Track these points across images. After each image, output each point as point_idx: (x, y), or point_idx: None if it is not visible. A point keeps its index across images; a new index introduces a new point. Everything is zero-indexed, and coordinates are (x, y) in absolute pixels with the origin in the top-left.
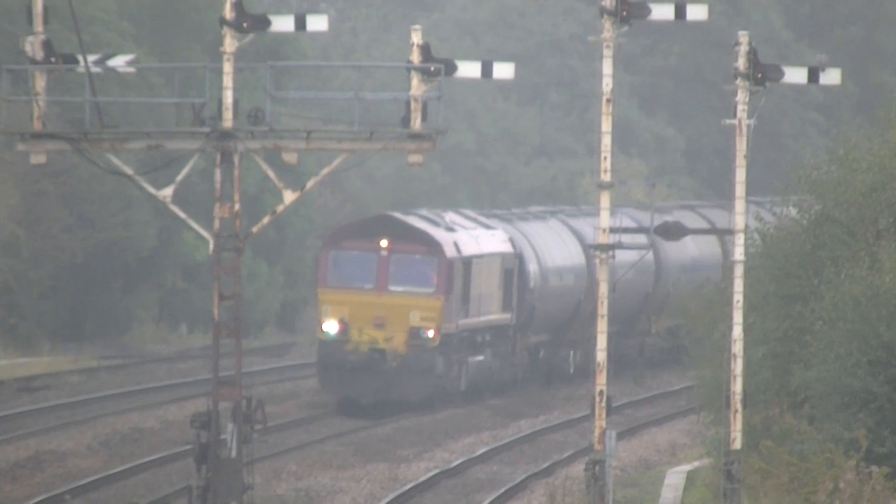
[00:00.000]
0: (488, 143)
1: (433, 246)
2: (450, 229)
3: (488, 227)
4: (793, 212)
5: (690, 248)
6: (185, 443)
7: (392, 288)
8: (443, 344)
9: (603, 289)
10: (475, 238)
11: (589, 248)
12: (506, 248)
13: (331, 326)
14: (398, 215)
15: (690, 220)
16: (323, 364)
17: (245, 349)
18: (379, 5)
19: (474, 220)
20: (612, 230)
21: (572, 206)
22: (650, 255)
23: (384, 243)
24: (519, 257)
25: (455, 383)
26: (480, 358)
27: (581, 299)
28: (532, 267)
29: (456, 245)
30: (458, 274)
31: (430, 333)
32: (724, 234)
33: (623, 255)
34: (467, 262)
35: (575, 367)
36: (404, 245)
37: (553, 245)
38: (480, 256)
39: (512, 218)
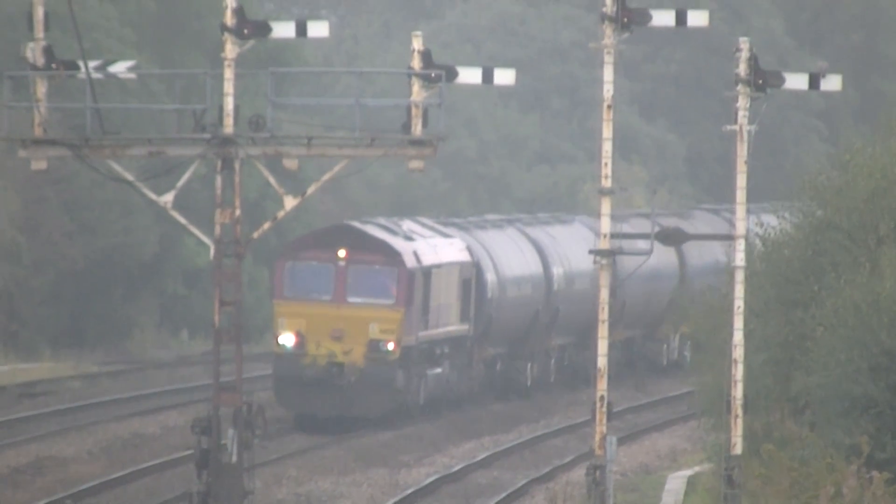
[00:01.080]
0: (489, 150)
1: (393, 256)
2: (408, 238)
3: (446, 235)
4: (793, 217)
5: (650, 259)
6: (185, 448)
7: (350, 299)
8: (403, 357)
9: (604, 294)
10: (434, 247)
11: (546, 256)
12: (464, 257)
13: (287, 339)
14: (356, 224)
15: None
16: (279, 378)
17: (246, 355)
18: (380, 12)
19: (431, 228)
20: (614, 236)
21: (529, 215)
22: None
23: (342, 253)
24: (477, 267)
25: (414, 397)
26: (439, 371)
27: (539, 310)
28: (490, 277)
29: (416, 255)
30: (418, 284)
31: (391, 346)
32: (725, 239)
33: (588, 266)
34: (427, 272)
35: (532, 379)
36: (363, 255)
37: (511, 254)
38: (440, 266)
39: (468, 226)
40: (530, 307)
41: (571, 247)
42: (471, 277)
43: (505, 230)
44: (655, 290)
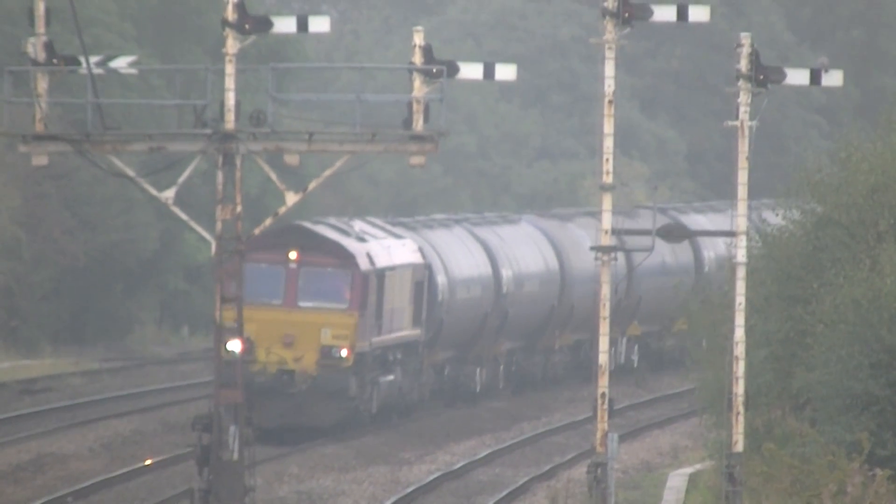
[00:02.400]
0: (490, 146)
1: (346, 258)
2: (361, 239)
3: (397, 236)
4: (795, 214)
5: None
6: (186, 445)
7: (302, 303)
8: (357, 364)
9: (605, 291)
10: (387, 249)
11: (494, 257)
12: (416, 258)
13: (235, 346)
14: (308, 225)
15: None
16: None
17: None
18: (381, 7)
19: (382, 228)
20: (614, 231)
21: (476, 214)
22: (556, 266)
23: (293, 255)
24: (428, 268)
25: (367, 405)
26: (391, 377)
27: (488, 313)
28: (441, 279)
29: (369, 256)
30: (371, 288)
31: (344, 352)
32: (727, 235)
33: (529, 266)
34: (381, 275)
35: (481, 385)
36: (315, 257)
37: (460, 255)
38: (393, 268)
39: (417, 226)
40: (480, 310)
41: (520, 247)
42: (423, 280)
43: (453, 230)
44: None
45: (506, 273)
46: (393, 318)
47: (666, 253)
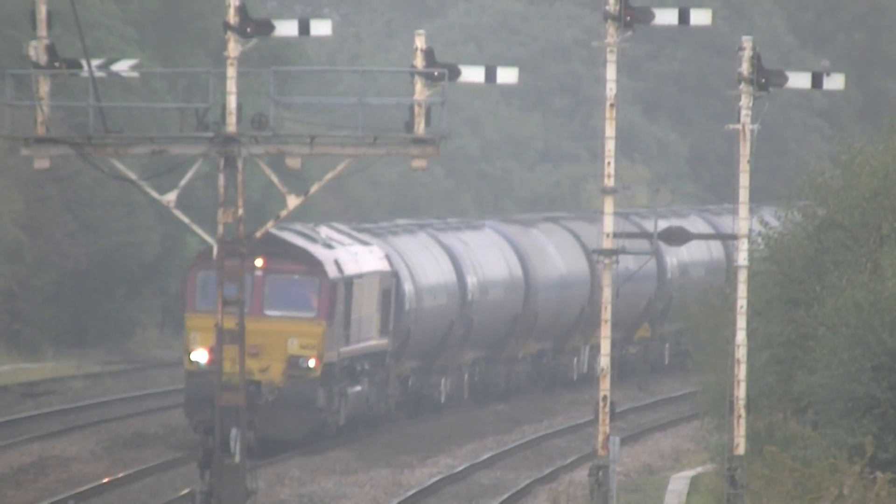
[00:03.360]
0: (492, 149)
1: (314, 265)
2: (328, 246)
3: (364, 242)
4: (797, 216)
5: (559, 265)
6: (188, 448)
7: (268, 312)
8: (324, 374)
9: (606, 294)
10: (354, 256)
11: (459, 264)
12: (383, 266)
13: (200, 356)
14: (274, 231)
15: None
16: (191, 398)
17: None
18: (383, 11)
19: (348, 234)
20: (617, 235)
21: (440, 220)
22: (519, 273)
23: (259, 262)
24: (395, 276)
25: (334, 417)
26: (359, 388)
27: (453, 320)
28: (408, 287)
29: (337, 264)
30: (340, 296)
31: (312, 363)
32: (728, 238)
33: (494, 273)
34: (349, 283)
35: (446, 395)
36: (282, 264)
37: (426, 262)
38: (361, 276)
39: (383, 232)
40: (445, 318)
41: (484, 254)
42: (390, 288)
43: (417, 236)
44: (567, 300)
45: (470, 280)
46: (361, 327)
47: (629, 260)
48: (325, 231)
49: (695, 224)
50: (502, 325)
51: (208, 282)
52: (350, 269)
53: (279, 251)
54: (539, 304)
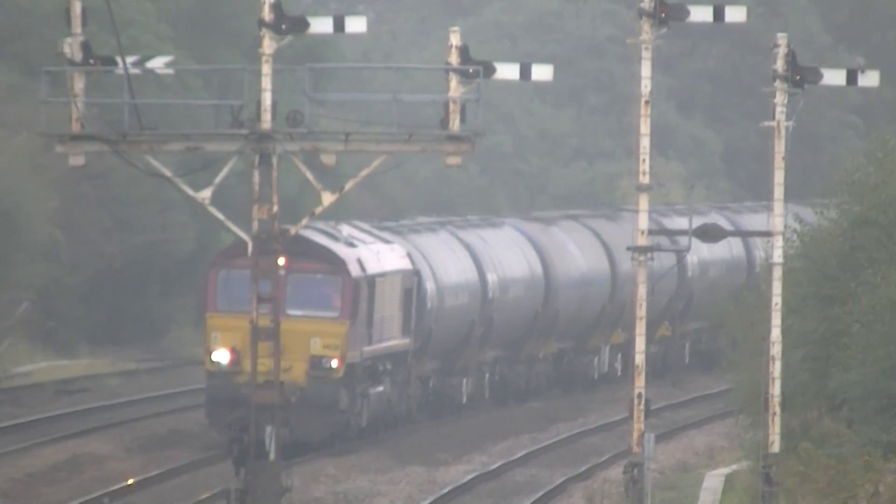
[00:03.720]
0: (526, 146)
1: (337, 264)
2: (350, 244)
3: (386, 241)
4: (832, 213)
5: (580, 263)
6: (222, 446)
7: (290, 312)
8: (347, 375)
9: (641, 291)
10: (377, 254)
11: (480, 262)
12: (405, 264)
13: (221, 356)
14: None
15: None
16: (212, 399)
17: None
18: (417, 8)
19: (370, 233)
20: (652, 232)
21: (460, 217)
22: (540, 271)
23: (281, 261)
24: (417, 275)
25: (357, 419)
26: (381, 389)
27: (475, 320)
28: (430, 285)
29: (360, 263)
30: (363, 295)
31: (334, 363)
32: (764, 235)
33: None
34: (371, 282)
35: (467, 396)
36: (304, 263)
37: (448, 260)
38: (383, 275)
39: (404, 230)
40: (467, 317)
41: (504, 252)
42: (412, 287)
43: (438, 234)
44: (587, 298)
45: (491, 278)
46: (383, 326)
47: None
48: (346, 229)
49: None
50: (523, 324)
51: (230, 281)
52: (373, 267)
53: (301, 250)
54: (560, 302)
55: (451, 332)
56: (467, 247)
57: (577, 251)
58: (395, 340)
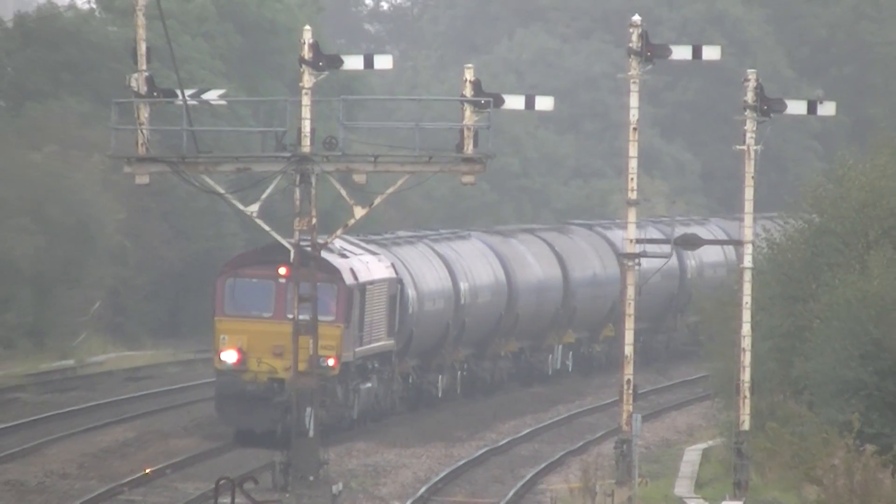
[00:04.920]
0: (531, 166)
1: (332, 273)
2: (343, 256)
3: (373, 252)
4: (797, 224)
5: (536, 271)
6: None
7: (291, 316)
8: (342, 372)
9: (630, 292)
10: (366, 264)
11: (453, 271)
12: (390, 273)
13: (229, 356)
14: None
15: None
16: (220, 395)
17: None
18: (436, 47)
19: (359, 245)
20: (639, 241)
21: (434, 231)
22: (503, 278)
23: (283, 271)
24: (400, 283)
25: (349, 411)
26: (369, 385)
27: (449, 323)
28: (411, 292)
29: (353, 272)
30: (355, 301)
31: (331, 362)
32: (736, 244)
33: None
34: (363, 289)
35: (442, 391)
36: (304, 272)
37: (426, 270)
38: (372, 283)
39: (387, 243)
40: (442, 320)
41: (473, 262)
42: (396, 293)
43: (417, 246)
44: (543, 303)
45: (463, 285)
46: (372, 329)
47: (597, 266)
48: (339, 242)
49: (712, 230)
50: (489, 326)
51: (236, 288)
52: (363, 276)
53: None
54: (520, 306)
55: (430, 333)
56: (442, 257)
57: (534, 261)
58: (382, 341)
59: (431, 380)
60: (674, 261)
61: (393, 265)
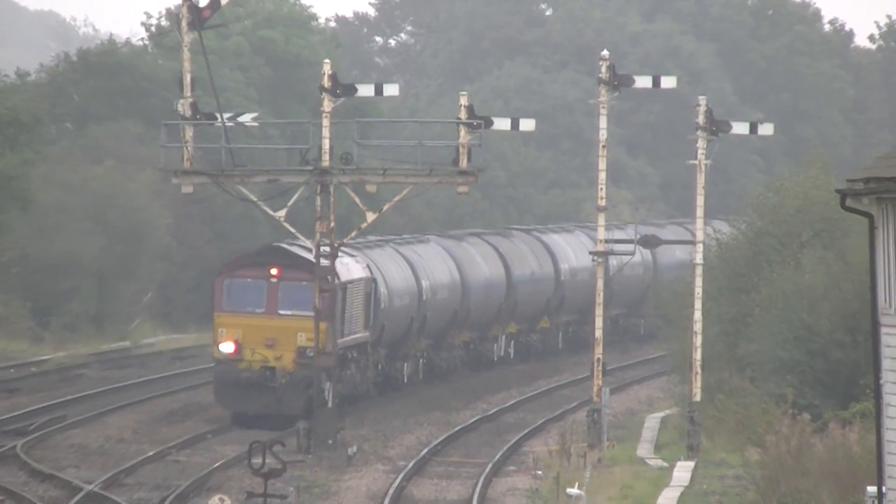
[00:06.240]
0: (516, 178)
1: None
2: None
3: (351, 255)
4: (742, 227)
5: (484, 270)
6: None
7: (281, 312)
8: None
9: (599, 284)
10: (346, 266)
11: (416, 271)
12: (366, 273)
13: (226, 347)
14: (285, 246)
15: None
16: (219, 381)
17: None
18: (436, 76)
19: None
20: (608, 241)
21: (398, 236)
22: (458, 277)
23: (274, 271)
24: (374, 282)
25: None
26: (349, 372)
27: (413, 316)
28: (383, 290)
29: (336, 273)
30: (338, 298)
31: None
32: (690, 243)
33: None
34: (344, 288)
35: (407, 377)
36: (292, 273)
37: (394, 270)
38: (352, 282)
39: (361, 247)
40: (408, 315)
41: (432, 263)
42: (371, 291)
43: (385, 249)
44: (490, 298)
45: (425, 283)
46: (352, 323)
47: (534, 266)
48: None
49: (673, 231)
50: (446, 319)
51: (232, 287)
52: (344, 276)
53: (290, 263)
54: (471, 301)
55: (398, 326)
56: (406, 259)
57: (482, 261)
58: (360, 334)
59: (398, 367)
60: (648, 256)
61: (368, 266)
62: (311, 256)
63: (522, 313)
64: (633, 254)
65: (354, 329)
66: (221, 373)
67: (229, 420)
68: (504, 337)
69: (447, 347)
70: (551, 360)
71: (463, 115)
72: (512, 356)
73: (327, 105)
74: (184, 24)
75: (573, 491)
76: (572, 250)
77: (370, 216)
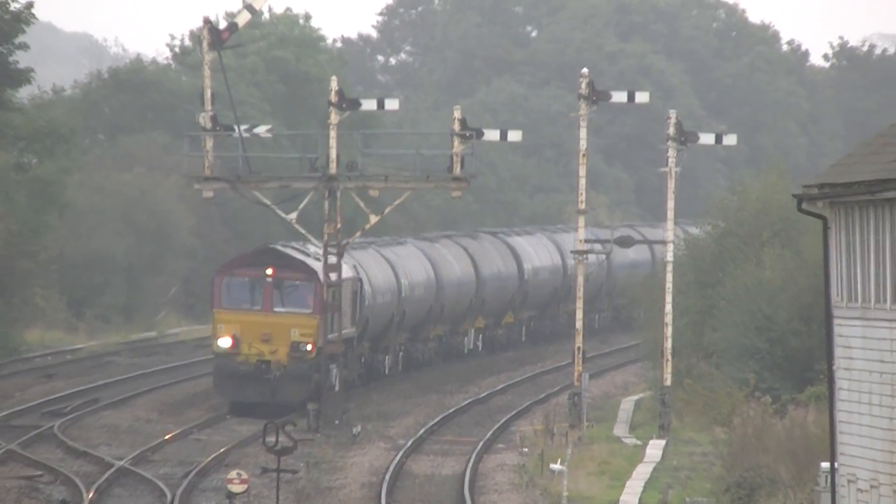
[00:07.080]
0: (504, 184)
1: (310, 273)
2: (318, 259)
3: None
4: (708, 227)
5: (456, 270)
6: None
7: (276, 309)
8: (317, 355)
9: (580, 280)
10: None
11: (396, 270)
12: (353, 273)
13: (225, 342)
14: (280, 247)
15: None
16: (218, 374)
17: None
18: (432, 92)
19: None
20: (587, 241)
21: (379, 238)
22: (433, 276)
23: (270, 271)
24: (360, 281)
25: (322, 386)
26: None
27: (394, 313)
28: (367, 288)
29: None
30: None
31: (309, 347)
32: (659, 243)
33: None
34: (338, 286)
35: (388, 368)
36: (286, 273)
37: (377, 270)
38: (343, 281)
39: (347, 248)
40: (389, 311)
41: (410, 263)
42: (357, 290)
43: (368, 250)
44: (461, 295)
45: (404, 282)
46: (341, 319)
47: (500, 265)
48: (312, 248)
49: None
50: (422, 315)
51: (231, 285)
52: (334, 276)
53: (284, 263)
54: (445, 298)
55: (380, 321)
56: (387, 260)
57: (454, 261)
58: (347, 329)
59: (380, 359)
60: (644, 253)
61: (354, 266)
62: (304, 258)
63: (490, 309)
64: (609, 252)
65: (344, 325)
66: (220, 365)
67: (244, 405)
68: (473, 331)
69: (423, 340)
70: (517, 351)
71: (456, 126)
72: (480, 348)
73: (334, 118)
74: (205, 44)
75: (556, 466)
76: (535, 252)
77: (373, 218)
